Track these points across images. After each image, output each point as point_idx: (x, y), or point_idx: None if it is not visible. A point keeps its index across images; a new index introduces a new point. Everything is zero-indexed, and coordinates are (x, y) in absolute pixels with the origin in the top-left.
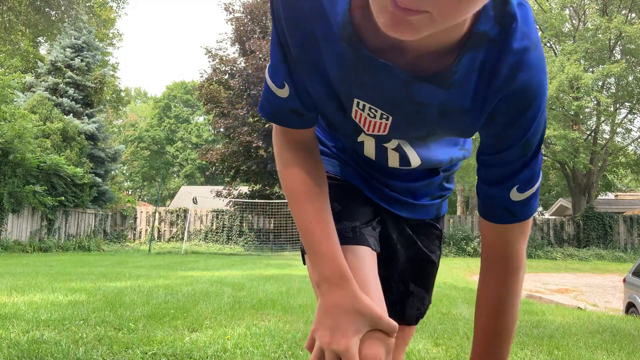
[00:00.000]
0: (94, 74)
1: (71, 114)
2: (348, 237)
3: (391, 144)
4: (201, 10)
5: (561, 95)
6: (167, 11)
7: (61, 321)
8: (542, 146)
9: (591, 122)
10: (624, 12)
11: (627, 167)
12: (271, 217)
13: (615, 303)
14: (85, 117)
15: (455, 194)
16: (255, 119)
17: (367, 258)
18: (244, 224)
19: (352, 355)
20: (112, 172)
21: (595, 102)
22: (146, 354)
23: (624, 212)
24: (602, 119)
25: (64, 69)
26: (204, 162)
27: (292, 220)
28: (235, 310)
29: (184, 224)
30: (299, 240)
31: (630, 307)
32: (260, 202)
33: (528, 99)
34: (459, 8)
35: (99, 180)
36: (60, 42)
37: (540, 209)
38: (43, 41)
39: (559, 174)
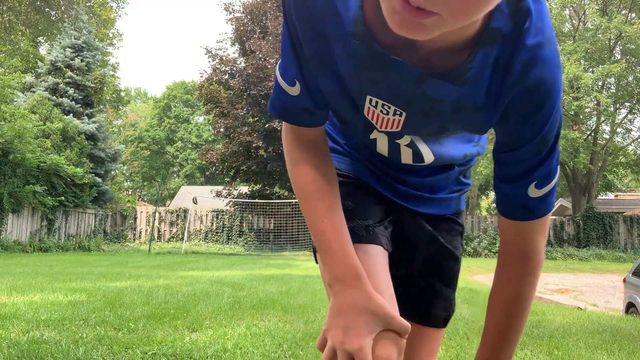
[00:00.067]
0: (94, 74)
1: (71, 114)
2: (361, 236)
3: (404, 140)
4: (201, 10)
5: (561, 95)
6: (167, 11)
7: (61, 321)
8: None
9: (591, 122)
10: (624, 12)
11: (627, 167)
12: (271, 217)
13: (615, 303)
14: (85, 117)
15: None
16: (255, 119)
17: (379, 257)
18: (244, 224)
19: (365, 355)
20: (112, 172)
21: (595, 102)
22: (146, 354)
23: (624, 212)
24: (602, 119)
25: (64, 69)
26: (204, 162)
27: (292, 220)
28: (235, 310)
29: (184, 224)
30: (298, 240)
31: (630, 307)
32: (260, 202)
33: (542, 96)
34: (470, 10)
35: (99, 180)
36: (60, 42)
37: None
38: (43, 41)
39: (559, 174)
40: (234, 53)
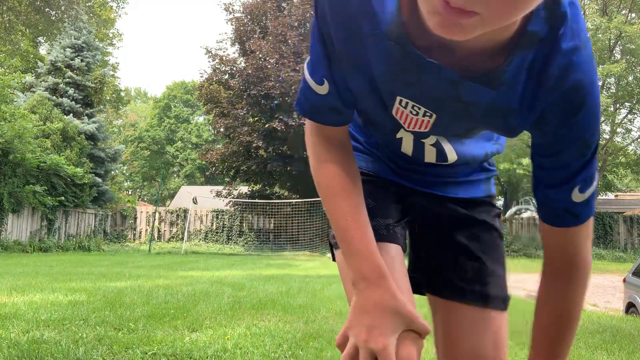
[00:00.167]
0: (94, 74)
1: (71, 114)
2: (382, 235)
3: (429, 140)
4: (201, 10)
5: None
6: (167, 11)
7: (61, 321)
8: None
9: None
10: (624, 12)
11: (627, 167)
12: (271, 217)
13: (615, 303)
14: (85, 117)
15: None
16: (255, 119)
17: (397, 257)
18: (244, 224)
19: (389, 355)
20: (112, 172)
21: None
22: (146, 354)
23: (624, 212)
24: (602, 119)
25: (64, 69)
26: (204, 162)
27: (292, 220)
28: (235, 310)
29: (184, 224)
30: (298, 240)
31: (630, 307)
32: (260, 202)
33: (580, 99)
34: (510, 10)
35: (99, 180)
36: (60, 42)
37: None
38: (43, 41)
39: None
40: (234, 53)
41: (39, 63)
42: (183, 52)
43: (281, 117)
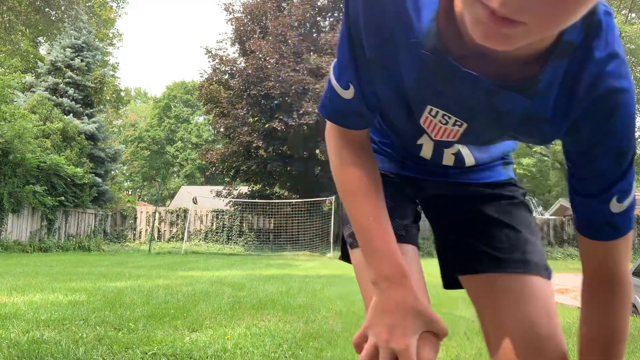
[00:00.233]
0: (94, 74)
1: (71, 114)
2: (400, 235)
3: (451, 149)
4: (201, 10)
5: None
6: (167, 11)
7: (61, 321)
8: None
9: None
10: (624, 12)
11: None
12: (271, 217)
13: None
14: (85, 117)
15: None
16: (255, 119)
17: (414, 257)
18: (244, 224)
19: (410, 355)
20: (112, 172)
21: None
22: (146, 354)
23: None
24: None
25: (64, 69)
26: (204, 162)
27: (292, 220)
28: (235, 310)
29: (184, 224)
30: (298, 240)
31: None
32: (260, 202)
33: (612, 106)
34: (558, 20)
35: (99, 180)
36: (60, 42)
37: (540, 208)
38: (43, 41)
39: (559, 174)
40: (234, 53)
41: (39, 63)
42: (183, 52)
43: (281, 117)
